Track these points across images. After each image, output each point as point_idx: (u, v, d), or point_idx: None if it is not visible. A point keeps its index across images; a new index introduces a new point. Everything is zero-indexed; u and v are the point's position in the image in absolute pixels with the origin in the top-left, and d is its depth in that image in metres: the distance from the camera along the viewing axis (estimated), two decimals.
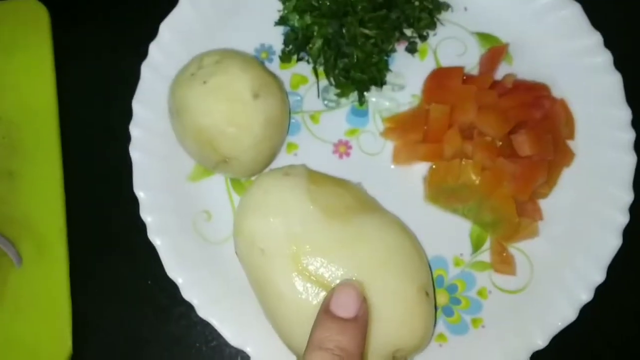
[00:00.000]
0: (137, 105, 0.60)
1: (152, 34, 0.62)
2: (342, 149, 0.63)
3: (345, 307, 0.42)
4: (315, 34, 0.62)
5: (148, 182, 0.58)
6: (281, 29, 0.66)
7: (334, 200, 0.53)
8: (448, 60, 0.65)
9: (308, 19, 0.62)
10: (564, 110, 0.63)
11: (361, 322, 0.42)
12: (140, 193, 0.58)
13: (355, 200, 0.54)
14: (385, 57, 0.63)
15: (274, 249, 0.51)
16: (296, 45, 0.64)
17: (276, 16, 0.66)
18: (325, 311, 0.43)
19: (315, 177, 0.55)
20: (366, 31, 0.62)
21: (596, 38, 0.62)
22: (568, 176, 0.61)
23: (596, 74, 0.62)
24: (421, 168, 0.62)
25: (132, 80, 0.61)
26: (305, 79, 0.65)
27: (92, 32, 0.68)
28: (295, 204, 0.52)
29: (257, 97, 0.55)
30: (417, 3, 0.65)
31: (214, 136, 0.55)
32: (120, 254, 0.61)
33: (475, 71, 0.65)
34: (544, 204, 0.61)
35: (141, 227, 0.57)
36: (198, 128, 0.55)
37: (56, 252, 0.59)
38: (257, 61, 0.59)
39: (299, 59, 0.65)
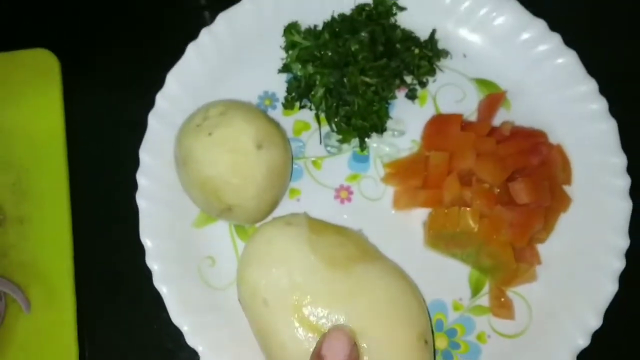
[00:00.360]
0: (144, 154, 0.62)
1: (159, 82, 0.64)
2: (344, 194, 0.64)
3: (336, 352, 0.42)
4: (317, 82, 0.64)
5: (154, 230, 0.60)
6: (284, 77, 0.67)
7: (335, 249, 0.55)
8: (447, 106, 0.67)
9: (310, 68, 0.64)
10: (561, 156, 0.64)
11: None
12: (146, 241, 0.59)
13: (356, 249, 0.56)
14: (386, 104, 0.65)
15: (277, 300, 0.52)
16: (299, 93, 0.65)
17: (279, 64, 0.67)
18: (317, 356, 0.43)
19: (316, 226, 0.56)
20: (367, 79, 0.63)
21: (591, 85, 0.64)
22: (565, 221, 0.63)
23: (592, 121, 0.64)
24: (421, 213, 0.63)
25: (139, 127, 0.63)
26: (307, 126, 0.66)
27: (101, 80, 0.70)
28: (297, 254, 0.53)
29: (260, 148, 0.57)
30: (417, 51, 0.67)
31: (219, 186, 0.56)
32: (127, 299, 0.63)
33: (473, 117, 0.66)
34: (541, 248, 0.62)
35: (147, 272, 0.59)
36: (203, 178, 0.57)
37: (64, 298, 0.60)
38: (260, 112, 0.61)
39: (301, 107, 0.66)
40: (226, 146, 0.56)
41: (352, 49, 0.64)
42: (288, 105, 0.66)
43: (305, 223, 0.56)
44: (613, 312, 0.58)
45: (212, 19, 0.69)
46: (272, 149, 0.58)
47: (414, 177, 0.63)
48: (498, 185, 0.61)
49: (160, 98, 0.64)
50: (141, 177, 0.61)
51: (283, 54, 0.68)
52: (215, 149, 0.56)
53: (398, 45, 0.66)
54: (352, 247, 0.56)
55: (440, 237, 0.61)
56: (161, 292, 0.58)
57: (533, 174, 0.61)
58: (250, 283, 0.53)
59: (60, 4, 0.73)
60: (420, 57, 0.66)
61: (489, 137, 0.62)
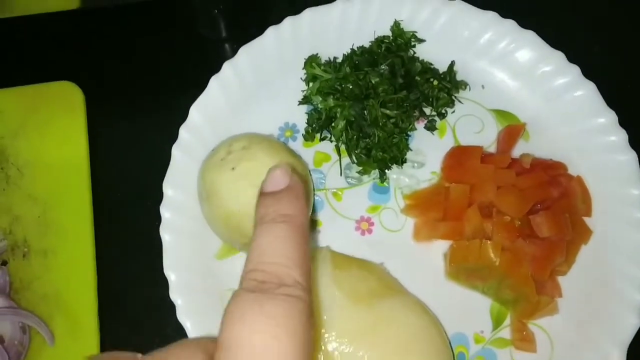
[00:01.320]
0: (167, 187, 0.62)
1: (181, 114, 0.65)
2: (364, 225, 0.64)
3: (275, 182, 0.40)
4: (338, 115, 0.65)
5: (177, 263, 0.60)
6: (304, 108, 0.68)
7: (358, 284, 0.55)
8: (466, 137, 0.67)
9: (331, 101, 0.65)
10: (581, 188, 0.64)
11: (295, 188, 0.40)
12: (170, 274, 0.60)
13: (378, 283, 0.56)
14: (406, 137, 0.65)
15: None
16: (319, 125, 0.66)
17: (300, 96, 0.68)
18: (260, 195, 0.41)
19: (339, 261, 0.57)
20: (387, 112, 0.64)
21: (611, 117, 0.64)
22: (586, 253, 0.63)
23: (611, 153, 0.64)
24: (442, 244, 0.63)
25: (161, 159, 0.64)
26: (328, 157, 0.67)
27: (124, 113, 0.71)
28: (321, 289, 0.54)
29: None
30: (435, 82, 0.67)
31: (242, 220, 0.57)
32: (151, 332, 0.63)
33: (492, 147, 0.67)
34: (562, 281, 0.62)
35: (171, 305, 0.59)
36: (227, 213, 0.57)
37: (88, 330, 0.61)
38: (283, 145, 0.62)
39: (322, 138, 0.67)
40: (249, 180, 0.57)
41: (373, 81, 0.65)
42: (309, 137, 0.67)
43: (328, 258, 0.56)
44: (637, 345, 0.58)
45: (232, 50, 0.70)
46: None
47: (434, 209, 0.64)
48: (519, 218, 0.61)
49: (184, 131, 0.64)
50: (165, 210, 0.62)
51: (303, 86, 0.68)
52: (238, 183, 0.57)
53: (417, 78, 0.66)
54: (375, 281, 0.56)
55: (462, 270, 0.62)
56: (185, 327, 0.58)
57: (553, 206, 0.62)
58: None
59: (84, 38, 0.74)
60: (439, 88, 0.67)
61: (509, 170, 0.63)
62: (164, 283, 0.60)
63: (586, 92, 0.65)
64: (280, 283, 0.32)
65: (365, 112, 0.64)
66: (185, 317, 0.58)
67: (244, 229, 0.57)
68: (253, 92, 0.68)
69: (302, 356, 0.29)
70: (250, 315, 0.30)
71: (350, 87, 0.65)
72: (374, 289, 0.55)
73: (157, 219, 0.62)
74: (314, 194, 0.63)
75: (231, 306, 0.31)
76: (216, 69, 0.67)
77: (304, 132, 0.67)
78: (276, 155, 0.59)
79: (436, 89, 0.67)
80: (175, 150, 0.64)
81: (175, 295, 0.59)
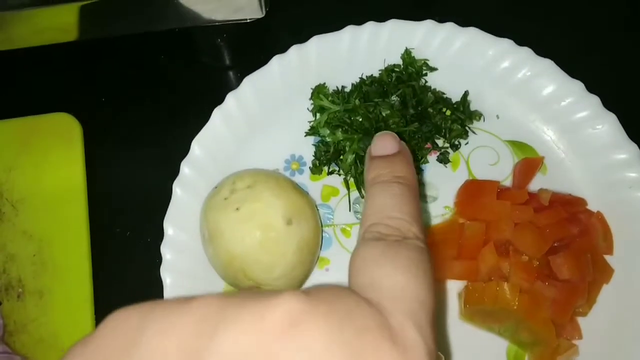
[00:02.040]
0: (168, 226, 0.60)
1: (182, 145, 0.62)
2: None
3: (386, 147, 0.44)
4: (347, 148, 0.62)
5: None
6: (312, 139, 0.65)
7: None
8: (481, 169, 0.64)
9: (339, 134, 0.62)
10: (601, 225, 0.61)
11: (405, 153, 0.44)
12: None
13: None
14: (419, 170, 0.63)
15: None
16: (327, 158, 0.63)
17: (306, 126, 0.65)
18: (370, 158, 0.44)
19: None
20: None
21: (633, 151, 0.61)
22: (607, 293, 0.60)
23: (633, 188, 0.61)
24: (456, 283, 0.61)
25: (161, 193, 0.61)
26: (336, 191, 0.64)
27: (124, 146, 0.68)
28: None
29: (290, 224, 0.55)
30: (448, 113, 0.64)
31: (247, 264, 0.54)
32: None
33: (508, 181, 0.64)
34: (583, 322, 0.59)
35: None
36: (231, 255, 0.54)
37: None
38: (289, 183, 0.59)
39: (330, 172, 0.64)
40: (254, 222, 0.54)
41: (383, 114, 0.62)
42: (316, 170, 0.64)
43: None
44: None
45: (237, 79, 0.68)
46: (302, 223, 0.56)
47: (448, 247, 0.61)
48: (537, 258, 0.58)
49: (185, 166, 0.62)
50: (166, 250, 0.59)
51: (310, 116, 0.66)
52: (243, 225, 0.54)
53: (430, 109, 0.63)
54: None
55: (477, 311, 0.59)
56: None
57: (573, 244, 0.59)
58: None
59: (82, 69, 0.71)
60: (452, 119, 0.64)
61: (527, 207, 0.60)
62: None
63: (607, 125, 0.62)
64: (403, 236, 0.35)
65: None
66: None
67: (249, 272, 0.54)
68: (258, 124, 0.65)
69: (433, 298, 0.32)
70: (386, 258, 0.33)
71: (360, 120, 0.62)
72: None
73: (157, 256, 0.59)
74: (322, 231, 0.61)
75: (360, 253, 0.34)
76: (219, 99, 0.64)
77: (311, 165, 0.64)
78: (282, 195, 0.56)
79: (449, 120, 0.64)
80: (177, 187, 0.61)
81: None
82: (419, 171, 0.63)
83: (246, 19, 0.61)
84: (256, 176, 0.57)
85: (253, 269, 0.54)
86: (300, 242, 0.55)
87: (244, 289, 0.57)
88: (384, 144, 0.44)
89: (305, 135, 0.65)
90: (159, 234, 0.60)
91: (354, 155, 0.62)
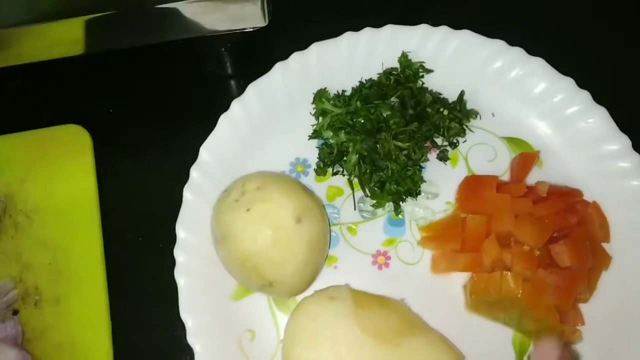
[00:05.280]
0: (180, 229, 0.61)
1: (190, 152, 0.64)
2: (381, 259, 0.64)
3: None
4: (350, 149, 0.64)
5: (194, 307, 0.59)
6: (315, 142, 0.67)
7: (381, 323, 0.54)
8: (479, 166, 0.67)
9: (343, 136, 0.64)
10: (598, 214, 0.63)
11: None
12: (187, 319, 0.58)
13: (401, 321, 0.55)
14: (419, 168, 0.65)
15: None
16: (331, 159, 0.65)
17: (309, 130, 0.68)
18: None
19: (360, 299, 0.56)
20: (399, 144, 0.64)
21: (624, 142, 0.64)
22: (607, 279, 0.62)
23: (626, 177, 0.63)
24: (461, 275, 0.63)
25: (172, 200, 0.63)
26: (341, 191, 0.66)
27: (134, 154, 0.70)
28: (344, 330, 0.53)
29: (299, 222, 0.56)
30: (446, 112, 0.67)
31: (260, 263, 0.56)
32: None
33: (506, 176, 0.66)
34: (585, 308, 0.61)
35: (188, 350, 0.58)
36: (243, 255, 0.56)
37: None
38: (297, 183, 0.61)
39: (334, 173, 0.66)
40: (265, 222, 0.56)
41: (384, 115, 0.64)
42: (320, 172, 0.66)
43: (349, 296, 0.55)
44: None
45: (239, 87, 0.70)
46: (311, 221, 0.57)
47: (451, 241, 0.63)
48: (538, 248, 0.60)
49: (194, 171, 0.64)
50: (179, 253, 0.61)
51: (313, 120, 0.68)
52: (254, 225, 0.56)
53: (428, 109, 0.66)
54: (397, 319, 0.55)
55: (482, 302, 0.61)
56: None
57: (571, 233, 0.61)
58: None
59: (90, 82, 0.73)
60: (450, 118, 0.67)
61: (526, 199, 0.62)
62: (180, 327, 0.59)
63: (598, 119, 0.65)
64: None
65: (378, 145, 0.63)
66: None
67: (261, 270, 0.56)
68: (263, 129, 0.67)
69: None
70: None
71: (362, 121, 0.64)
72: (397, 328, 0.54)
73: (170, 260, 0.61)
74: (330, 234, 0.62)
75: None
76: (223, 106, 0.66)
77: (315, 167, 0.66)
78: (291, 195, 0.58)
79: (447, 119, 0.66)
80: (187, 192, 0.63)
81: (192, 340, 0.58)
82: (421, 168, 0.65)
83: (249, 28, 0.63)
84: (265, 178, 0.59)
85: (266, 267, 0.56)
86: (310, 240, 0.57)
87: (256, 288, 0.59)
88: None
89: (308, 139, 0.67)
90: (171, 239, 0.61)
91: (357, 156, 0.64)
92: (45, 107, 0.72)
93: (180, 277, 0.60)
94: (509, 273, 0.59)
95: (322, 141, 0.67)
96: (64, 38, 0.62)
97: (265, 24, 0.62)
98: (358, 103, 0.65)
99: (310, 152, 0.67)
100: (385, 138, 0.63)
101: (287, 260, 0.56)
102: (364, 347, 0.52)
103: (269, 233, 0.56)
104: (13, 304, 0.61)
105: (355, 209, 0.65)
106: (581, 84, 0.66)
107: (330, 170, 0.67)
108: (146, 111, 0.72)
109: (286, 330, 0.56)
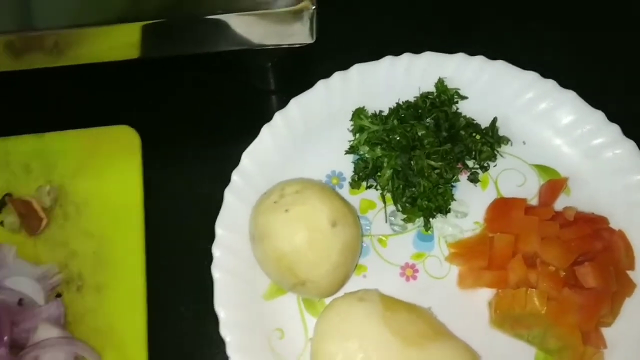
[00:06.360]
0: (219, 228, 0.64)
1: (231, 158, 0.68)
2: (409, 272, 0.66)
3: None
4: (384, 164, 0.67)
5: (227, 301, 0.62)
6: (351, 157, 0.71)
7: (409, 327, 0.56)
8: (508, 190, 0.69)
9: (378, 151, 0.67)
10: (623, 241, 0.65)
11: None
12: (220, 311, 0.61)
13: (427, 327, 0.57)
14: (450, 187, 0.67)
15: None
16: (366, 173, 0.68)
17: (346, 145, 0.71)
18: None
19: (389, 303, 0.58)
20: (432, 163, 0.66)
21: None
22: (630, 306, 0.63)
23: None
24: (486, 292, 0.64)
25: (213, 201, 0.66)
26: (373, 204, 0.69)
27: (179, 157, 0.74)
28: (372, 330, 0.55)
29: (335, 226, 0.59)
30: (478, 137, 0.70)
31: (294, 261, 0.58)
32: None
33: (534, 201, 0.68)
34: (607, 332, 0.62)
35: (220, 342, 0.60)
36: (279, 253, 0.59)
37: None
38: (333, 191, 0.64)
39: (368, 187, 0.69)
40: (303, 223, 0.59)
41: (419, 134, 0.67)
42: (355, 185, 0.69)
43: (378, 299, 0.57)
44: None
45: (279, 101, 0.74)
46: (345, 226, 0.60)
47: (479, 258, 0.65)
48: (564, 269, 0.62)
49: (236, 175, 0.67)
50: (216, 249, 0.64)
51: (349, 136, 0.71)
52: (292, 226, 0.59)
53: (462, 132, 0.69)
54: (424, 325, 0.57)
55: (507, 318, 0.62)
56: None
57: (597, 258, 0.62)
58: (326, 357, 0.54)
59: (143, 85, 0.78)
60: (482, 143, 0.69)
61: (553, 222, 0.64)
62: (213, 319, 0.61)
63: (627, 150, 0.67)
64: None
65: (412, 162, 0.66)
66: (234, 353, 0.59)
67: (296, 270, 0.59)
68: (302, 141, 0.71)
69: None
70: None
71: (398, 138, 0.67)
72: (424, 332, 0.56)
73: (208, 258, 0.64)
74: (361, 240, 0.65)
75: None
76: (265, 118, 0.70)
77: (350, 180, 0.70)
78: (328, 201, 0.61)
79: (479, 143, 0.69)
80: (228, 194, 0.66)
81: (224, 331, 0.60)
82: (452, 186, 0.68)
83: (295, 44, 0.67)
84: (303, 183, 0.63)
85: (300, 266, 0.59)
86: (344, 244, 0.60)
87: (289, 287, 0.62)
88: None
89: (345, 153, 0.71)
90: (209, 238, 0.64)
91: (391, 171, 0.67)
92: (100, 108, 0.77)
93: (216, 271, 0.63)
94: (534, 290, 0.60)
95: (357, 157, 0.70)
96: (124, 41, 0.65)
97: (312, 41, 0.66)
98: (395, 121, 0.69)
99: (346, 165, 0.71)
100: (419, 156, 0.66)
101: (321, 261, 0.59)
102: (391, 347, 0.54)
103: (305, 234, 0.59)
104: (57, 287, 0.65)
105: (386, 222, 0.68)
106: (611, 117, 0.69)
107: (364, 184, 0.69)
108: (194, 117, 0.77)
109: (316, 327, 0.58)
